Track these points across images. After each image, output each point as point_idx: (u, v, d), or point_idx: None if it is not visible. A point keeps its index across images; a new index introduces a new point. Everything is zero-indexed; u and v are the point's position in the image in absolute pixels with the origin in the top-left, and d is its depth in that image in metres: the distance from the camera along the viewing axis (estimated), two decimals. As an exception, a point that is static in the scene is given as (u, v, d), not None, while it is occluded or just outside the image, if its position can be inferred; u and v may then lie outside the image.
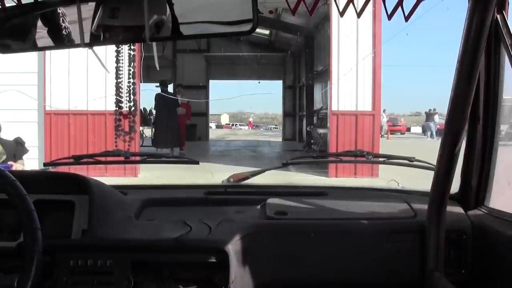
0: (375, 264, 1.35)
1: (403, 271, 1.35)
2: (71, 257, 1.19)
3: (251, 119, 60.55)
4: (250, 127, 52.51)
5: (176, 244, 1.24)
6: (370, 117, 7.73)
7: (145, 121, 11.60)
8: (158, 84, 9.94)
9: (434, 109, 20.62)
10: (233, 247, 1.24)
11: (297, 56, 16.03)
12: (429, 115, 20.71)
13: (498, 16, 1.17)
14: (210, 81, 18.26)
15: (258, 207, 1.50)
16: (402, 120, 30.56)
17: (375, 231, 1.36)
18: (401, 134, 25.58)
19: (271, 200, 1.49)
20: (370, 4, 1.12)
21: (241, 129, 48.76)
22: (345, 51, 7.67)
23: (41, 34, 1.03)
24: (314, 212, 1.48)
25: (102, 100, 7.40)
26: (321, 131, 10.08)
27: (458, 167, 1.33)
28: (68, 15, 0.99)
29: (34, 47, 1.09)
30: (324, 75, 10.17)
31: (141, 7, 0.89)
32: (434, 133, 19.46)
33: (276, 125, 49.24)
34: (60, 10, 1.00)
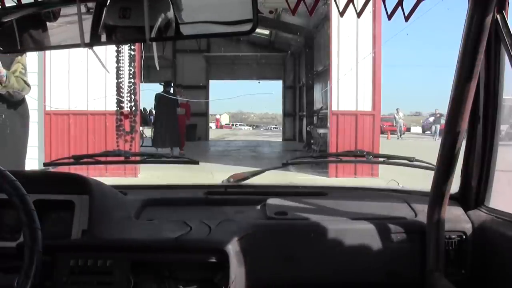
0: (375, 264, 1.35)
1: (403, 271, 1.35)
2: (71, 257, 1.19)
3: (218, 116, 52.40)
4: (217, 126, 46.28)
5: (176, 244, 1.24)
6: (370, 117, 7.74)
7: (145, 121, 11.63)
8: (162, 83, 10.11)
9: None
10: (233, 247, 1.24)
11: (297, 56, 16.04)
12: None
13: (498, 16, 1.17)
14: (210, 81, 18.28)
15: (258, 207, 1.50)
16: (402, 120, 30.59)
17: (375, 231, 1.36)
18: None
19: (271, 200, 1.49)
20: (370, 4, 1.12)
21: (241, 129, 48.45)
22: (345, 51, 7.67)
23: (41, 34, 1.03)
24: (314, 212, 1.48)
25: (102, 100, 7.40)
26: (321, 131, 10.09)
27: (458, 167, 1.33)
28: (68, 15, 0.99)
29: (34, 47, 1.09)
30: (324, 75, 10.17)
31: (141, 7, 0.89)
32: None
33: (276, 125, 48.82)
34: (60, 10, 1.00)
